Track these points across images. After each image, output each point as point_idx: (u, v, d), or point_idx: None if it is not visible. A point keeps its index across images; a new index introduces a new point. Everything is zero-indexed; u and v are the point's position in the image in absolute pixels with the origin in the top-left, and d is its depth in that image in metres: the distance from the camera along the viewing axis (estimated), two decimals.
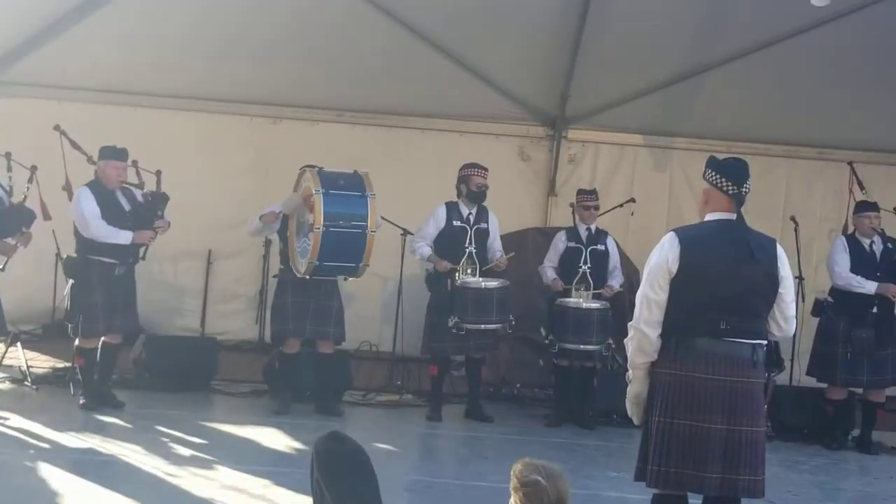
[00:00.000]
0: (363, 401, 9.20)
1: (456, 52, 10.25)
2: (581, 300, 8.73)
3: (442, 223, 8.80)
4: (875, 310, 8.79)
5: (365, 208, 8.16)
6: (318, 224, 8.01)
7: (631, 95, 10.67)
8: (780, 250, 4.93)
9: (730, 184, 4.85)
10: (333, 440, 4.02)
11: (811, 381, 9.30)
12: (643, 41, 9.89)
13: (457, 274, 8.59)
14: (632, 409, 5.00)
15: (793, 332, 5.11)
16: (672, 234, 4.89)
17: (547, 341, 8.82)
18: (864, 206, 9.01)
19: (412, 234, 9.20)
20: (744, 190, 4.85)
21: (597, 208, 9.09)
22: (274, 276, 8.95)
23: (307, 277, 8.24)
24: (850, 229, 9.18)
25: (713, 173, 4.90)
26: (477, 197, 8.82)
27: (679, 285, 4.78)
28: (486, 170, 8.86)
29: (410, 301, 9.87)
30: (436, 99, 10.72)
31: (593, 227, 9.08)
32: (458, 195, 8.88)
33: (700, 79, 10.43)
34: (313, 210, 8.04)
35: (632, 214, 9.96)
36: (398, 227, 9.31)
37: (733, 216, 4.86)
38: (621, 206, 9.90)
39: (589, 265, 8.83)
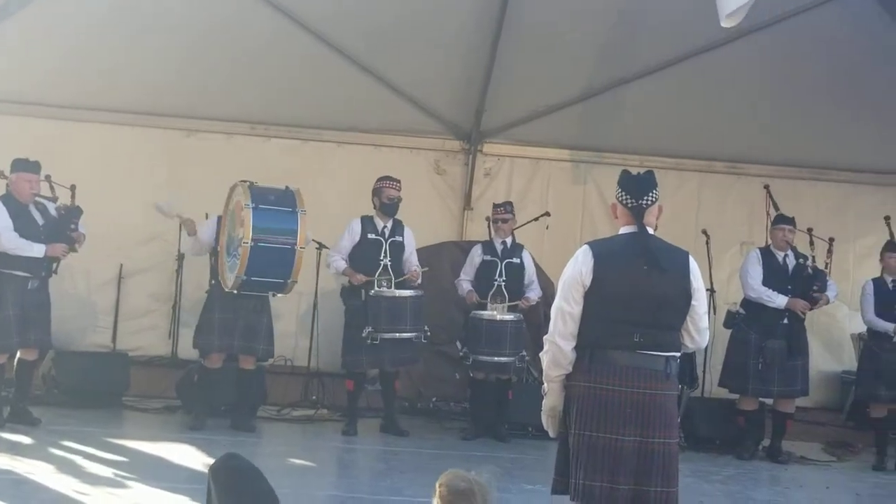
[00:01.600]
0: (278, 416, 9.13)
1: (372, 66, 10.23)
2: (496, 313, 8.77)
3: (357, 236, 8.79)
4: (785, 321, 8.96)
5: (295, 224, 8.14)
6: (247, 239, 7.96)
7: (546, 110, 10.75)
8: (692, 263, 4.97)
9: (628, 197, 4.90)
10: (230, 458, 3.95)
11: (723, 393, 9.43)
12: (558, 56, 9.98)
13: (372, 286, 8.58)
14: (547, 421, 5.01)
15: (705, 343, 5.16)
16: (586, 247, 4.92)
17: (461, 354, 8.85)
18: (781, 220, 9.18)
19: (328, 248, 9.18)
20: (643, 203, 4.88)
21: (506, 221, 9.14)
22: (206, 292, 8.86)
23: (234, 292, 8.17)
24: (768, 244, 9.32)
25: (618, 188, 4.97)
26: (389, 209, 8.83)
27: (593, 298, 4.80)
28: (398, 182, 8.89)
29: (326, 315, 9.83)
30: (351, 112, 10.68)
31: (509, 241, 9.14)
32: (374, 208, 8.88)
33: (615, 93, 10.54)
34: (243, 224, 7.99)
35: (546, 228, 10.02)
36: (314, 241, 9.26)
37: (636, 229, 4.90)
38: (536, 219, 9.96)
39: (504, 278, 8.90)
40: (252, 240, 7.95)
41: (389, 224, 8.85)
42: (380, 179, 8.93)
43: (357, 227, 8.82)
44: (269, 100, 10.46)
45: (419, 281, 8.80)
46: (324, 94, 10.44)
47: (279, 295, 8.48)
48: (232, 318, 8.42)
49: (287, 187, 8.35)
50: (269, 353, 8.67)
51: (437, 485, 3.52)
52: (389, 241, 8.79)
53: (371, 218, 8.88)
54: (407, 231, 8.94)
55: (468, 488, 3.44)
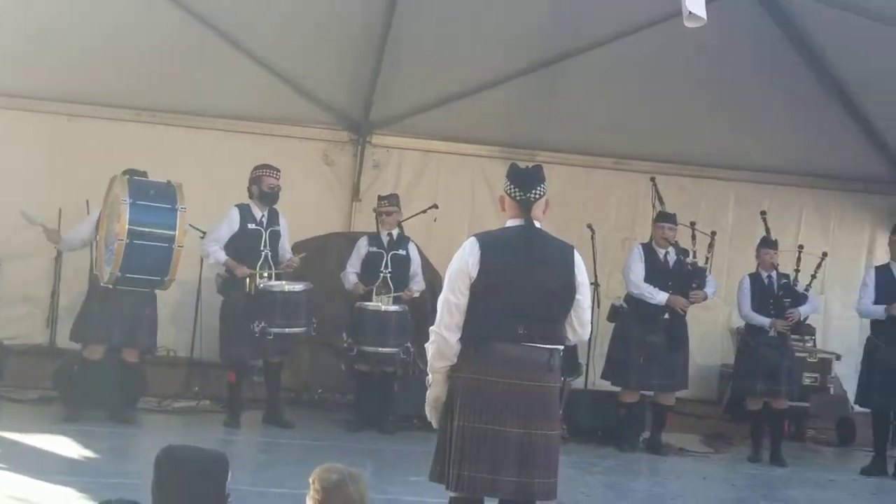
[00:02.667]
0: (159, 407, 8.98)
1: (260, 55, 10.09)
2: (380, 304, 8.77)
3: (236, 226, 8.71)
4: (666, 316, 9.11)
5: (173, 222, 7.99)
6: (122, 235, 7.79)
7: (436, 102, 10.74)
8: (577, 257, 5.02)
9: (517, 190, 4.93)
10: (177, 451, 3.82)
11: (605, 385, 9.56)
12: (448, 48, 9.99)
13: (256, 278, 8.50)
14: (430, 413, 5.02)
15: (587, 336, 5.23)
16: (473, 239, 4.94)
17: (345, 345, 8.83)
18: (662, 218, 9.32)
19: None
20: (531, 196, 4.91)
21: (390, 214, 9.13)
22: (88, 280, 8.65)
23: (110, 287, 8.02)
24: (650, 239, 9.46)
25: (506, 181, 4.99)
26: (269, 198, 8.76)
27: (479, 290, 4.82)
28: (278, 171, 8.83)
29: (208, 305, 9.70)
30: (239, 101, 10.51)
31: (395, 233, 9.14)
32: (250, 196, 8.80)
33: (504, 87, 10.58)
34: (119, 220, 7.82)
35: (434, 220, 10.02)
36: (198, 230, 9.11)
37: (523, 222, 4.93)
38: (424, 212, 9.96)
39: (389, 270, 8.92)
40: (128, 237, 7.78)
41: (267, 213, 8.79)
42: (259, 167, 8.84)
43: (236, 216, 8.74)
44: (154, 86, 10.24)
45: (296, 267, 8.73)
46: (211, 82, 10.27)
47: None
48: (114, 309, 8.23)
49: (169, 182, 8.17)
50: (152, 345, 8.52)
51: (310, 479, 3.49)
52: (269, 230, 8.73)
53: (249, 207, 8.80)
54: (282, 218, 8.90)
55: (340, 479, 3.41)
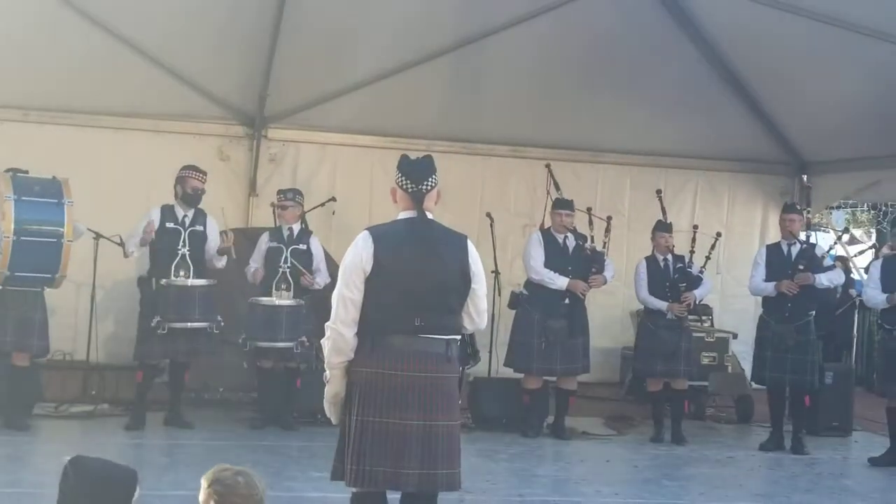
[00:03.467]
0: (55, 413, 8.80)
1: (151, 51, 9.92)
2: (273, 298, 8.73)
3: (156, 225, 8.60)
4: (566, 301, 9.19)
5: (62, 216, 7.85)
6: (8, 232, 7.61)
7: (331, 94, 10.68)
8: (470, 246, 5.03)
9: (408, 182, 4.94)
10: (83, 462, 3.73)
11: (508, 372, 9.61)
12: (341, 40, 9.93)
13: (165, 276, 8.44)
14: (329, 409, 4.99)
15: (485, 325, 5.23)
16: (366, 232, 4.92)
17: (240, 341, 8.76)
18: (560, 204, 9.38)
19: (106, 237, 8.94)
20: (423, 187, 4.92)
21: (286, 209, 9.06)
22: None
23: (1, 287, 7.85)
24: (547, 225, 9.53)
25: (397, 173, 5.00)
26: (192, 199, 8.76)
27: (374, 283, 4.81)
28: (204, 173, 8.86)
29: (107, 307, 9.53)
30: (130, 98, 10.34)
31: (296, 228, 9.08)
32: (175, 196, 8.76)
33: (400, 78, 10.55)
34: (4, 217, 7.64)
35: (333, 214, 9.97)
36: (91, 231, 8.95)
37: (415, 213, 4.92)
38: (322, 205, 9.91)
39: (289, 265, 8.84)
40: (14, 233, 7.61)
41: (191, 213, 8.72)
42: (185, 168, 8.85)
43: (156, 215, 8.68)
44: (41, 85, 10.01)
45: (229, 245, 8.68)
46: (100, 80, 10.07)
47: (48, 289, 8.17)
48: (2, 312, 8.05)
49: (54, 177, 8.04)
50: (44, 348, 8.36)
51: (202, 481, 3.44)
52: (189, 230, 8.66)
53: (172, 207, 8.76)
54: (210, 221, 8.83)
55: (233, 480, 3.37)
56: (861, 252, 11.18)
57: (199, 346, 8.66)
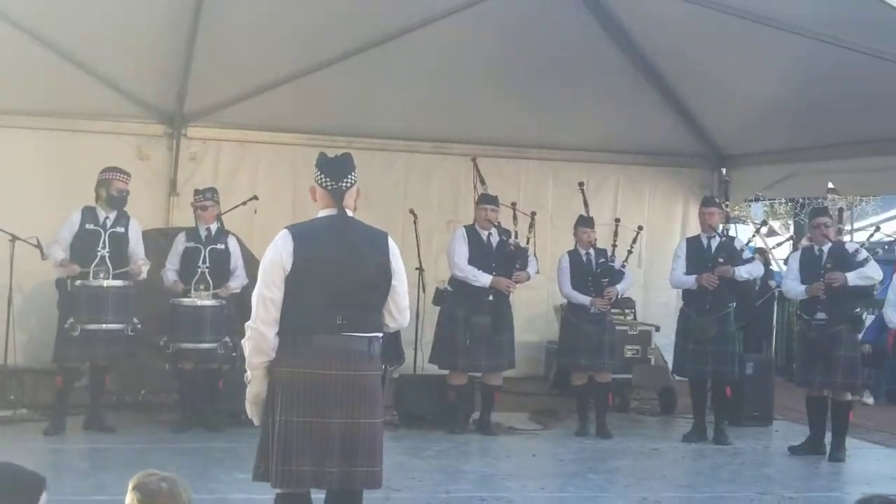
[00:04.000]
0: None
1: (65, 48, 9.73)
2: (196, 299, 8.63)
3: (76, 227, 8.51)
4: (491, 298, 9.20)
5: None
6: None
7: (251, 92, 10.57)
8: (391, 243, 5.03)
9: (328, 180, 4.92)
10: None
11: (434, 369, 9.61)
12: (261, 37, 9.82)
13: (81, 277, 8.30)
14: (251, 409, 4.97)
15: (407, 323, 5.23)
16: (285, 231, 4.91)
17: (162, 343, 8.65)
18: (485, 200, 9.39)
19: (22, 239, 8.79)
20: (343, 185, 4.91)
21: (205, 209, 8.96)
22: None
23: None
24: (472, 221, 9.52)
25: (316, 170, 4.98)
26: (116, 202, 8.69)
27: (294, 282, 4.79)
28: (128, 175, 8.76)
29: (25, 310, 9.37)
30: (45, 97, 10.13)
31: (214, 227, 8.98)
32: (97, 199, 8.65)
33: (320, 74, 10.46)
34: None
35: (255, 212, 9.88)
36: (5, 232, 8.79)
37: (336, 211, 4.90)
38: (244, 203, 9.82)
39: (208, 265, 8.76)
40: None
41: (113, 215, 8.62)
42: (108, 170, 8.74)
43: (77, 217, 8.60)
44: None
45: (143, 276, 8.56)
46: (14, 79, 9.84)
47: None
48: None
49: None
50: None
51: (129, 485, 3.40)
52: (109, 231, 8.54)
53: (93, 209, 8.67)
54: (132, 222, 8.72)
55: (156, 486, 3.34)
56: (779, 244, 11.34)
57: (118, 350, 8.54)
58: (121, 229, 8.62)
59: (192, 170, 10.91)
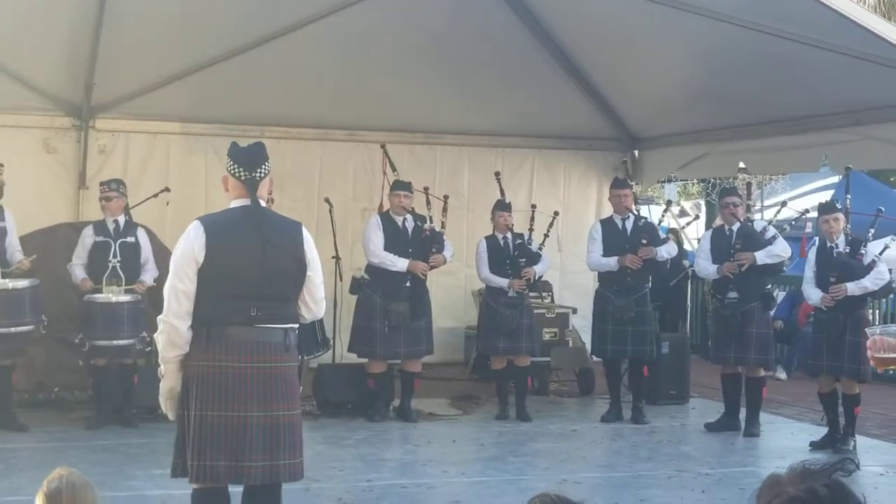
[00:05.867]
0: None
1: None
2: (111, 295, 8.47)
3: None
4: (408, 284, 9.18)
5: None
6: None
7: (160, 82, 10.44)
8: (305, 233, 4.98)
9: (241, 170, 4.86)
10: None
11: (353, 358, 9.57)
12: (168, 26, 9.70)
13: None
14: (165, 404, 4.91)
15: (322, 313, 5.21)
16: (197, 222, 4.84)
17: (77, 340, 8.48)
18: (397, 186, 9.34)
19: None
20: (256, 175, 4.85)
21: (110, 199, 8.78)
22: None
23: None
24: (386, 208, 9.49)
25: (228, 160, 4.91)
26: None
27: (207, 274, 4.73)
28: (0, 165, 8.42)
29: None
30: None
31: (122, 220, 8.80)
32: None
33: (231, 63, 10.37)
34: None
35: (167, 204, 9.74)
36: None
37: (249, 202, 4.85)
38: (156, 195, 9.66)
39: (119, 259, 8.58)
40: None
41: None
42: None
43: None
44: None
45: (28, 268, 8.35)
46: None
47: None
48: None
49: None
50: None
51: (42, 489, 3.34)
52: None
53: None
54: (8, 214, 8.47)
55: (59, 488, 3.28)
56: (688, 223, 11.48)
57: (19, 347, 8.36)
58: (0, 224, 8.39)
59: (102, 162, 10.74)
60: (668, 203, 10.07)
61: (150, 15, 9.55)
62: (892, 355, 3.70)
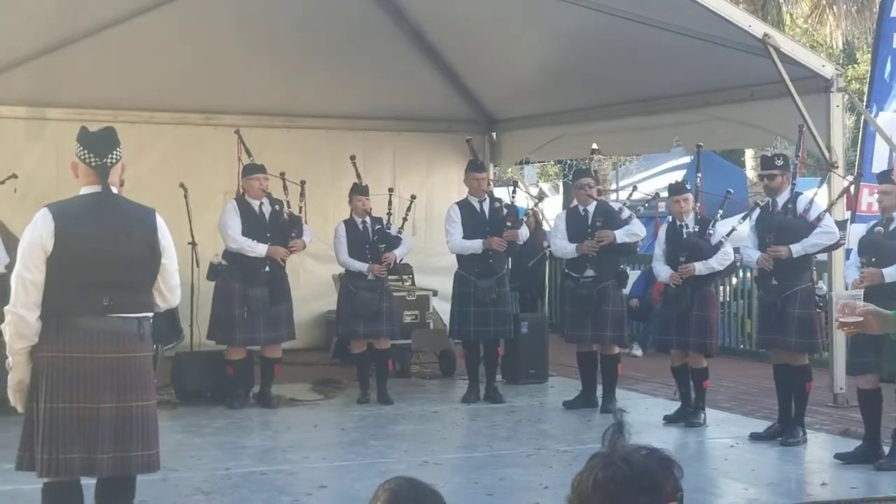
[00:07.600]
0: None
1: None
2: None
3: None
4: (267, 269, 9.09)
5: None
6: None
7: (4, 66, 10.11)
8: (159, 220, 4.91)
9: (91, 155, 4.76)
10: None
11: (212, 345, 9.44)
12: (8, 9, 9.36)
13: None
14: (14, 396, 4.81)
15: (177, 301, 5.13)
16: (45, 210, 4.74)
17: None
18: (251, 169, 9.21)
19: None
20: (108, 161, 4.76)
21: None
22: None
23: None
24: (241, 192, 9.38)
25: (78, 146, 4.81)
26: None
27: (56, 263, 4.63)
28: None
29: None
30: None
31: None
32: None
33: (79, 46, 10.11)
34: None
35: (15, 192, 9.45)
36: None
37: (100, 188, 4.75)
38: (2, 182, 9.38)
39: None
40: None
41: None
42: None
43: None
44: None
45: None
46: None
47: None
48: None
49: None
50: None
51: None
52: None
53: None
54: None
55: None
56: (537, 203, 11.70)
57: None
58: None
59: None
60: (514, 184, 10.14)
61: None
62: (858, 319, 3.84)
